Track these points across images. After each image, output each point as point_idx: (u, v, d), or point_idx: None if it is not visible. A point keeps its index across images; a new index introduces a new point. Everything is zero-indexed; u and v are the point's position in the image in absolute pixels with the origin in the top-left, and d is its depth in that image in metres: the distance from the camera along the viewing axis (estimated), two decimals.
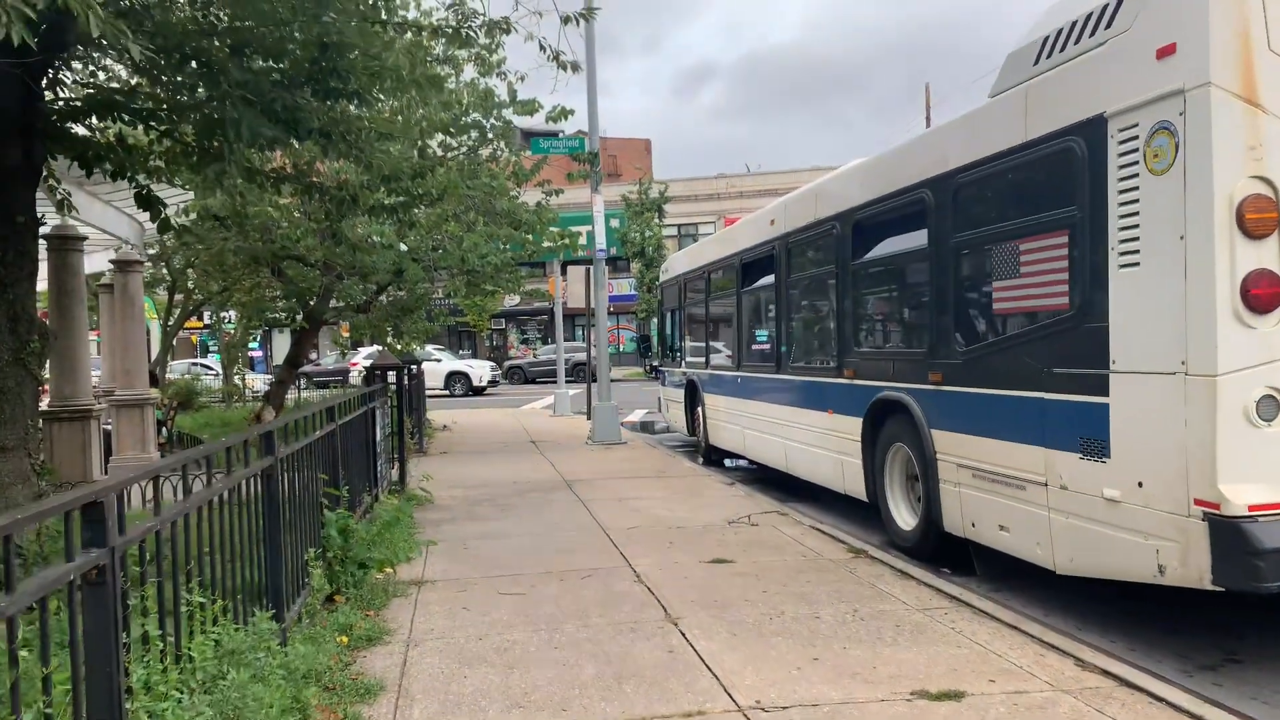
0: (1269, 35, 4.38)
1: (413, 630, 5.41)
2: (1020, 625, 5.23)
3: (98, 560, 2.40)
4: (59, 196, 7.21)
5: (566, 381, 23.82)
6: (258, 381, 28.28)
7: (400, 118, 10.12)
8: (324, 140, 6.79)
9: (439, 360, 32.89)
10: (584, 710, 4.19)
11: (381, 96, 7.49)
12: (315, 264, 14.32)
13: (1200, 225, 4.41)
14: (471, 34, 7.28)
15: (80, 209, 9.67)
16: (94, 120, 6.47)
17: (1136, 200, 4.78)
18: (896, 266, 7.76)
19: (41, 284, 8.57)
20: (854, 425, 8.02)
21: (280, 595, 4.48)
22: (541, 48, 7.40)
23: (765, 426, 10.58)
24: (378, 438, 9.24)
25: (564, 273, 23.29)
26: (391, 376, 11.13)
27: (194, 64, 6.05)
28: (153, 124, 6.52)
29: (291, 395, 19.84)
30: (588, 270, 18.32)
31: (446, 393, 31.67)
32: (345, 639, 5.06)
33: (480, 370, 34.15)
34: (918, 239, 7.04)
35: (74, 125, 6.55)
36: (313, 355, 36.20)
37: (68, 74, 6.51)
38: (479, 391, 32.95)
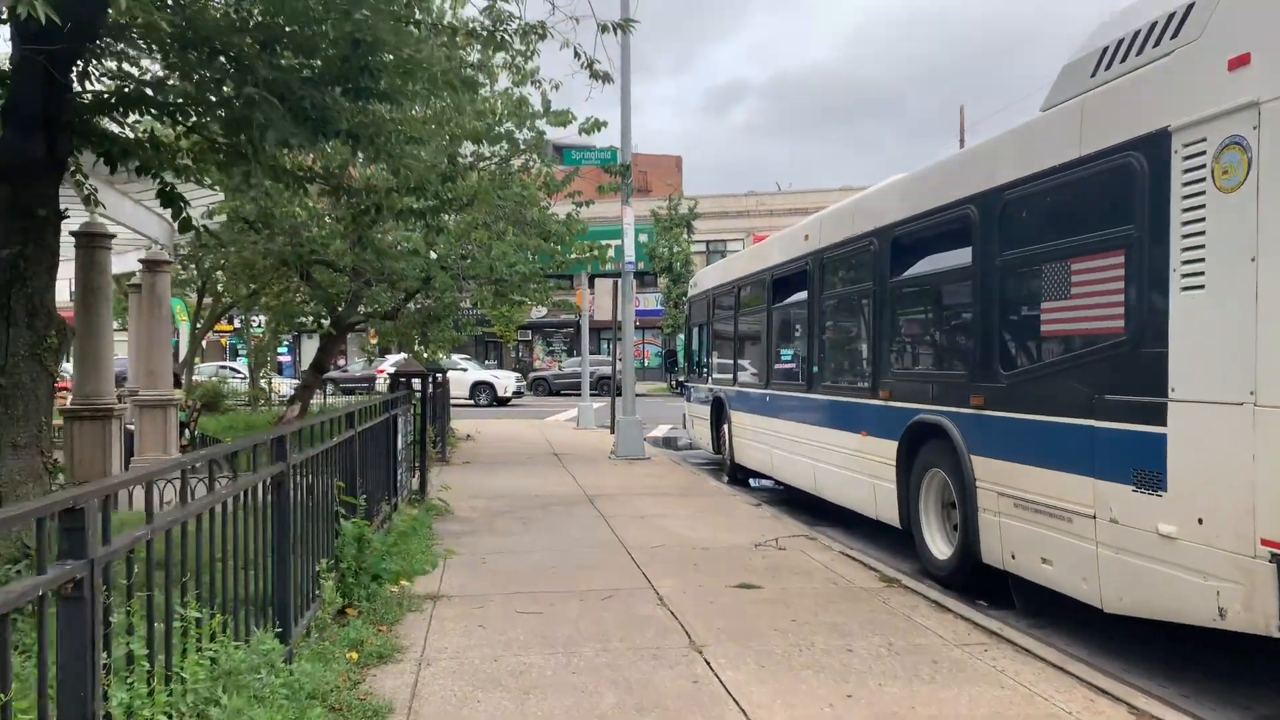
0: None
1: (426, 648, 5.20)
2: (1066, 666, 4.92)
3: (74, 573, 2.19)
4: (85, 192, 7.09)
5: (590, 395, 23.62)
6: (284, 386, 28.32)
7: (433, 126, 10.00)
8: (352, 141, 6.64)
9: (465, 370, 32.79)
10: None
11: (414, 99, 7.32)
12: (344, 269, 14.24)
13: (1276, 246, 4.13)
14: (506, 38, 7.14)
15: (110, 208, 9.62)
16: (121, 115, 6.33)
17: (1202, 219, 4.51)
18: (937, 285, 7.50)
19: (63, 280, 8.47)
20: (888, 448, 7.74)
21: (287, 609, 4.27)
22: (576, 55, 7.25)
23: (794, 446, 10.30)
24: (399, 445, 9.06)
25: (591, 285, 23.15)
26: (416, 384, 10.98)
27: (223, 58, 5.93)
28: (179, 119, 6.40)
29: (317, 400, 19.78)
30: (615, 283, 18.13)
31: (471, 402, 31.56)
32: (355, 655, 4.85)
33: (505, 381, 34.03)
34: (961, 257, 6.78)
35: (102, 119, 6.43)
36: (340, 361, 36.34)
37: (96, 68, 6.40)
38: (503, 402, 32.83)
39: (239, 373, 32.59)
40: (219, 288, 21.60)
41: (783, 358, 11.30)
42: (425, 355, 17.65)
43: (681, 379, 18.29)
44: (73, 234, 9.83)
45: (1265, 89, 4.19)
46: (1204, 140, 4.51)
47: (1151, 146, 4.86)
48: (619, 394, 16.18)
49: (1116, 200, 5.12)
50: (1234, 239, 4.33)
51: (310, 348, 26.42)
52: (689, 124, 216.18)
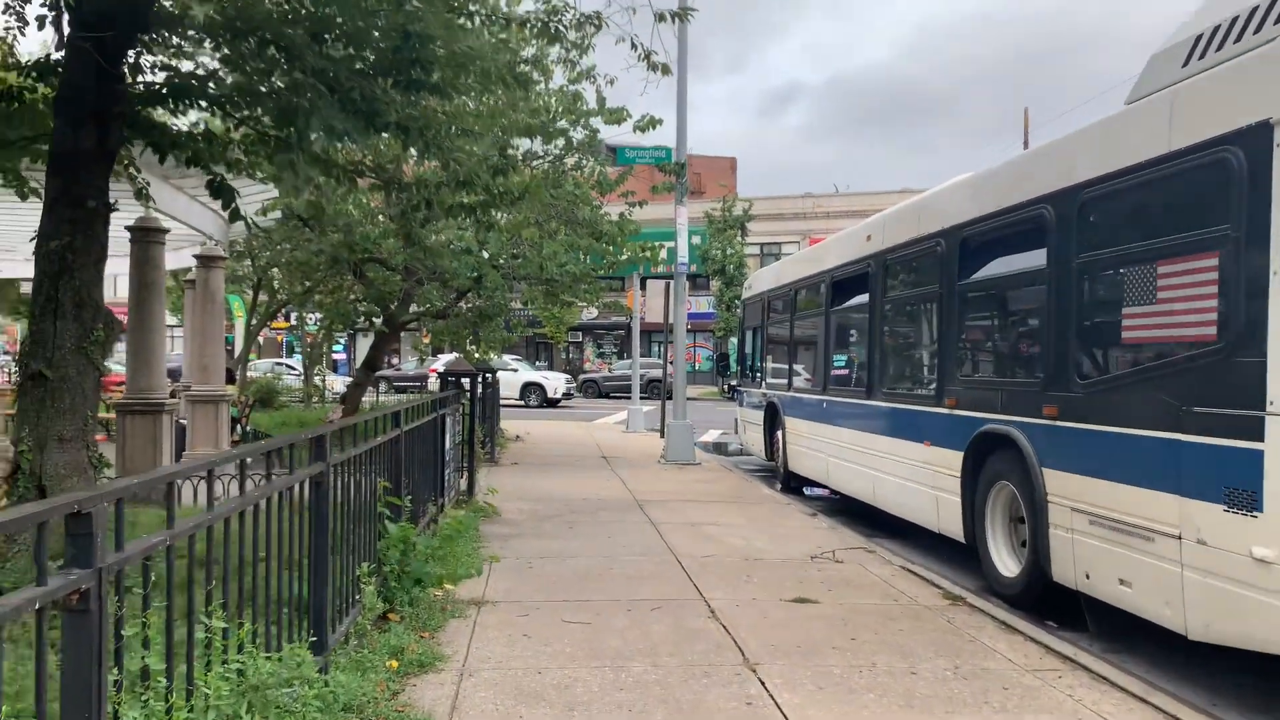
0: None
1: (468, 657, 5.01)
2: (1149, 698, 4.57)
3: (79, 583, 2.01)
4: (138, 185, 7.06)
5: (640, 398, 23.40)
6: (338, 383, 28.55)
7: (486, 119, 9.86)
8: (401, 134, 6.50)
9: (515, 370, 32.81)
10: None
11: (465, 92, 7.17)
12: (396, 268, 14.20)
13: None
14: (560, 29, 6.96)
15: (164, 203, 9.64)
16: (172, 106, 6.27)
17: None
18: (1008, 288, 7.14)
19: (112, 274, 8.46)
20: (954, 459, 7.39)
21: (323, 616, 4.10)
22: (633, 46, 7.06)
23: (852, 455, 9.96)
24: (447, 446, 8.93)
25: (643, 287, 22.92)
26: (465, 383, 10.86)
27: (273, 49, 5.83)
28: (230, 111, 6.32)
29: (370, 399, 19.83)
30: (667, 285, 17.87)
31: (521, 403, 31.56)
32: (395, 663, 4.68)
33: (555, 382, 33.98)
34: (1035, 259, 6.43)
35: (153, 110, 6.38)
36: (393, 360, 36.62)
37: (147, 59, 6.35)
38: (553, 403, 32.77)
39: (294, 369, 32.97)
40: (274, 284, 21.78)
41: (841, 363, 10.96)
42: (476, 355, 17.59)
43: (734, 383, 17.98)
44: (127, 229, 9.88)
45: None
46: None
47: (1251, 141, 4.50)
48: (669, 397, 15.92)
49: (1210, 198, 4.77)
50: None
51: (365, 346, 26.60)
52: (743, 125, 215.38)
